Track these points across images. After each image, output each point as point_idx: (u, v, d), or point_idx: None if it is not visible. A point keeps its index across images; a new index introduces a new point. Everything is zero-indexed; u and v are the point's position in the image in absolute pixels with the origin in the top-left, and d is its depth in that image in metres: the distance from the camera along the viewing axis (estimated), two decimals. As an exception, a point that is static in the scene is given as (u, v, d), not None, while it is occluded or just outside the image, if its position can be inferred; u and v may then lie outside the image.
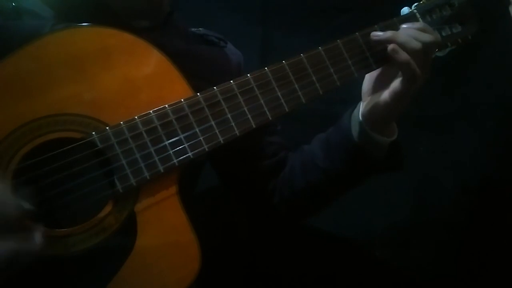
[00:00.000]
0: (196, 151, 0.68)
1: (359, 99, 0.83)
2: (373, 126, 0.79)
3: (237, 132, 0.70)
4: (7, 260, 0.53)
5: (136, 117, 0.65)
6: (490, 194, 1.30)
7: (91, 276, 0.64)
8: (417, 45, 0.73)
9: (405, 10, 0.82)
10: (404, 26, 0.77)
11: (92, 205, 0.64)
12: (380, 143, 0.80)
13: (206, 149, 0.68)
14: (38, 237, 0.56)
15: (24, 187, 0.58)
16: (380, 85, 0.79)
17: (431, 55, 0.77)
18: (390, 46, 0.74)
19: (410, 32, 0.75)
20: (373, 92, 0.80)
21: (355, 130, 0.81)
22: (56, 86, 0.63)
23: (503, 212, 1.27)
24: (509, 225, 1.24)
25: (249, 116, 0.70)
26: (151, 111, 0.66)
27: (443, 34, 0.82)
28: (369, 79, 0.82)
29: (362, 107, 0.81)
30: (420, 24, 0.78)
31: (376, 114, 0.78)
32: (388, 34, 0.75)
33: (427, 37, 0.75)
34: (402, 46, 0.73)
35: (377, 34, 0.76)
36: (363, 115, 0.80)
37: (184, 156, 0.67)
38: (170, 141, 0.67)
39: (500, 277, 1.24)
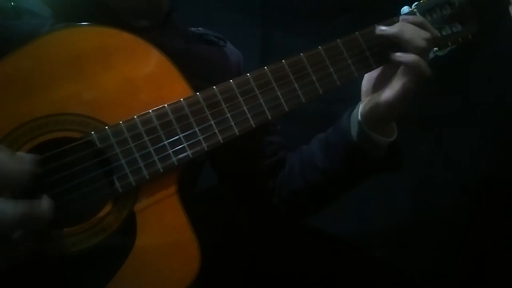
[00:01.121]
0: (195, 150, 0.68)
1: (358, 99, 0.83)
2: (373, 126, 0.79)
3: (236, 131, 0.70)
4: (19, 220, 0.53)
5: (135, 117, 0.65)
6: (490, 194, 1.30)
7: (91, 276, 0.64)
8: (422, 43, 0.73)
9: (405, 9, 0.82)
10: (404, 17, 0.76)
11: (91, 205, 0.64)
12: (379, 143, 0.80)
13: (206, 149, 0.68)
14: (46, 202, 0.56)
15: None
16: (379, 84, 0.79)
17: (429, 52, 0.77)
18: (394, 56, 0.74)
19: (412, 29, 0.75)
20: (372, 92, 0.80)
21: (354, 130, 0.80)
22: (55, 86, 0.63)
23: (503, 212, 1.26)
24: (509, 225, 1.24)
25: (248, 115, 0.70)
26: (150, 111, 0.66)
27: (443, 33, 0.82)
28: (368, 78, 0.81)
29: (361, 107, 0.81)
30: (419, 18, 0.77)
31: (376, 114, 0.78)
32: (394, 29, 0.74)
33: (428, 34, 0.74)
34: (407, 43, 0.73)
35: (382, 29, 0.75)
36: (362, 115, 0.79)
37: (183, 156, 0.67)
38: (170, 140, 0.66)
39: (500, 277, 1.24)
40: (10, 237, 0.54)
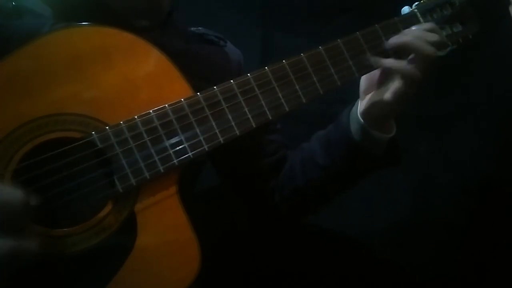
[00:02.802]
0: (196, 151, 0.68)
1: (358, 98, 0.83)
2: (372, 123, 0.79)
3: (237, 132, 0.70)
4: (6, 258, 0.53)
5: (136, 117, 0.65)
6: (490, 194, 1.30)
7: (91, 276, 0.64)
8: (431, 49, 0.74)
9: (405, 9, 0.82)
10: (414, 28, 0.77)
11: (92, 205, 0.64)
12: (379, 140, 0.80)
13: (206, 149, 0.68)
14: (34, 236, 0.56)
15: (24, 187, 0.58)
16: (378, 83, 0.79)
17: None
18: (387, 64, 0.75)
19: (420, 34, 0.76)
20: (371, 90, 0.80)
21: (354, 127, 0.81)
22: (55, 86, 0.63)
23: (503, 212, 1.26)
24: (509, 225, 1.24)
25: (249, 116, 0.70)
26: (151, 111, 0.66)
27: (444, 33, 0.82)
28: (367, 77, 0.81)
29: (360, 105, 0.81)
30: (429, 25, 0.78)
31: (375, 112, 0.78)
32: (405, 38, 0.75)
33: (436, 37, 0.75)
34: (416, 50, 0.74)
35: (392, 40, 0.76)
36: (362, 113, 0.80)
37: (184, 156, 0.67)
38: (170, 141, 0.66)
39: (500, 277, 1.24)
40: None
